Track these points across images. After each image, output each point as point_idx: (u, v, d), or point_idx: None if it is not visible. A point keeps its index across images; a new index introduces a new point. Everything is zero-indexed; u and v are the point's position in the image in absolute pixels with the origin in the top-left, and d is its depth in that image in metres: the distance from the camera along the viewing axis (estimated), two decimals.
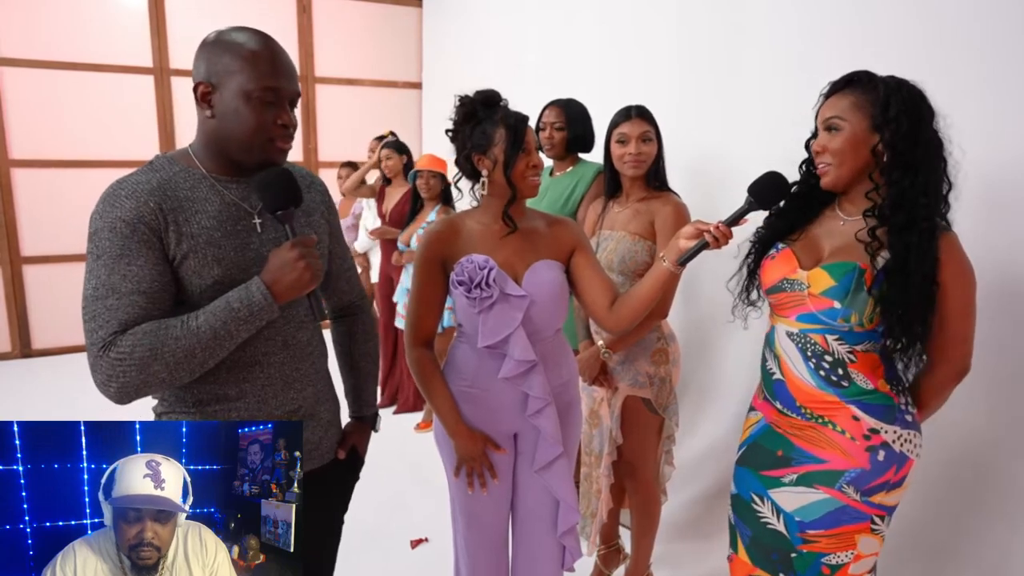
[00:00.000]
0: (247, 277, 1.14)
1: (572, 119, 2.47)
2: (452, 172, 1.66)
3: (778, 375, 1.39)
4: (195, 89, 1.13)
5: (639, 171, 1.95)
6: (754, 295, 1.48)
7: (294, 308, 1.23)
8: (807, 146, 1.41)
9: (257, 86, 1.11)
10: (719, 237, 1.28)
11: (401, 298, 3.69)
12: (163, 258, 1.09)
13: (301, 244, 1.12)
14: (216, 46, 1.13)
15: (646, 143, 1.94)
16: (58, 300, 5.07)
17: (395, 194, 3.96)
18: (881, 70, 1.29)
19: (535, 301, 1.50)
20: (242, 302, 1.08)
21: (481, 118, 1.49)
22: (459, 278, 1.48)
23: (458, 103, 1.51)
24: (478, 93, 1.51)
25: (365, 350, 1.50)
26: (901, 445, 1.29)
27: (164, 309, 1.09)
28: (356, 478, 1.49)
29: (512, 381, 1.52)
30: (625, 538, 2.33)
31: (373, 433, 1.53)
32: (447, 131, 1.56)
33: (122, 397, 1.06)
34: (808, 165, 1.42)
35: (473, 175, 1.54)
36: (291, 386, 1.24)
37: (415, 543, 2.58)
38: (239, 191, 1.19)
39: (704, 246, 1.30)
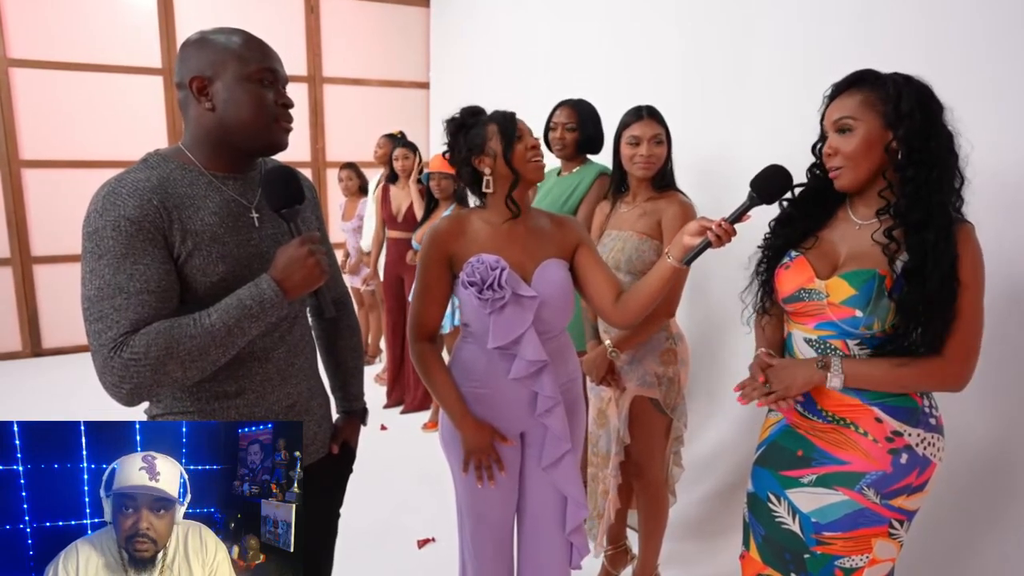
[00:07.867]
0: (249, 273, 1.15)
1: (584, 120, 2.47)
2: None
3: None
4: (189, 84, 1.14)
5: (649, 173, 1.95)
6: (768, 303, 1.44)
7: (291, 303, 1.24)
8: (814, 150, 1.37)
9: (255, 68, 1.15)
10: (721, 235, 1.26)
11: None
12: (168, 257, 1.08)
13: (310, 241, 1.14)
14: (203, 43, 1.16)
15: (658, 145, 1.94)
16: (68, 299, 5.10)
17: (404, 195, 3.96)
18: (891, 69, 1.25)
19: (545, 301, 1.49)
20: (254, 299, 1.09)
21: (470, 125, 1.52)
22: (470, 279, 1.46)
23: (445, 124, 1.56)
24: (462, 109, 1.55)
25: (350, 345, 1.51)
26: (924, 448, 1.26)
27: (172, 308, 1.09)
28: (350, 471, 1.50)
29: (522, 381, 1.52)
30: (632, 539, 2.31)
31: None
32: (443, 153, 1.59)
33: (133, 399, 1.04)
34: (817, 169, 1.37)
35: (476, 181, 1.54)
36: (288, 381, 1.26)
37: (422, 543, 2.57)
38: (236, 187, 1.20)
39: (708, 244, 1.29)
